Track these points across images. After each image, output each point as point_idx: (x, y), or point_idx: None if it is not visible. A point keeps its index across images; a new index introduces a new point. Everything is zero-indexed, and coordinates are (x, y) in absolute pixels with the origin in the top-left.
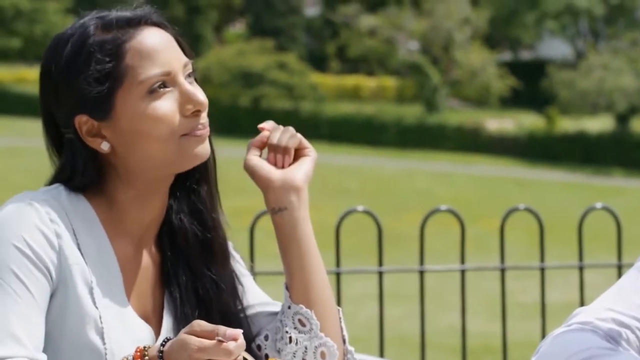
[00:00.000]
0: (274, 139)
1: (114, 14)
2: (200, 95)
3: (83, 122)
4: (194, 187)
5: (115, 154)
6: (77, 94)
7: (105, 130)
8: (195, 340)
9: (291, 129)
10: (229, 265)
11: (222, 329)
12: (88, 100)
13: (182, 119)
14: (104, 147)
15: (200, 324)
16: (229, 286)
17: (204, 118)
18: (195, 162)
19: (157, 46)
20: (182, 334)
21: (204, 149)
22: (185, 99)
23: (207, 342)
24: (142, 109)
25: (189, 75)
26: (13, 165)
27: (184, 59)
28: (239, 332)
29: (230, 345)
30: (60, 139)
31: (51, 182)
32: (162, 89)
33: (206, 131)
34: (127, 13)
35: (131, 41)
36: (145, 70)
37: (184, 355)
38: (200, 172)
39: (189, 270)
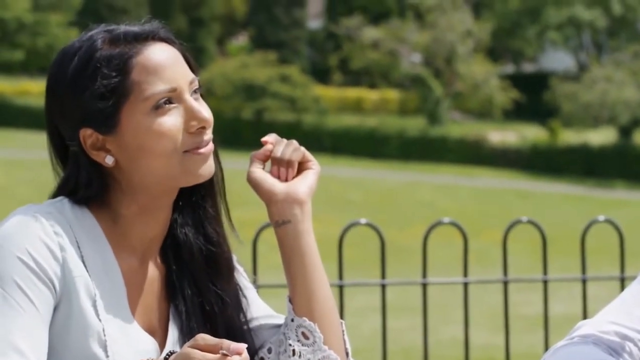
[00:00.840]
0: (278, 152)
1: (122, 28)
2: (205, 112)
3: (88, 135)
4: (200, 201)
5: (119, 168)
6: (82, 108)
7: (110, 144)
8: (199, 354)
9: (294, 142)
10: (233, 279)
11: (226, 342)
12: (93, 115)
13: (186, 135)
14: (108, 161)
15: (204, 338)
16: (234, 300)
17: (208, 135)
18: (198, 180)
19: (163, 62)
20: (186, 348)
21: (208, 167)
22: (190, 115)
23: (210, 356)
24: (146, 124)
25: (195, 92)
26: (16, 177)
27: (190, 75)
28: (243, 346)
29: (234, 359)
30: (65, 151)
31: (55, 194)
32: (167, 105)
33: (209, 148)
34: (135, 28)
35: (138, 56)
36: (151, 86)
37: None
38: (206, 188)
39: (194, 284)
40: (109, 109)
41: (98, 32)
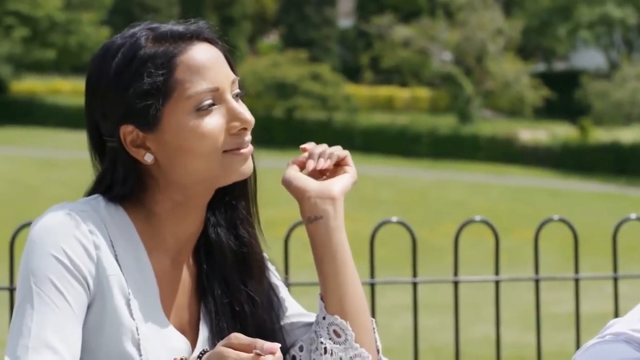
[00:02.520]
0: (318, 149)
1: (167, 26)
2: (247, 113)
3: (128, 132)
4: (233, 202)
5: (157, 166)
6: (124, 104)
7: (150, 142)
8: (233, 353)
9: (339, 147)
10: (265, 280)
11: (259, 342)
12: (135, 111)
13: (227, 136)
14: (148, 158)
15: (237, 337)
16: (265, 301)
17: (248, 136)
18: (239, 178)
19: (207, 62)
20: (220, 347)
21: (247, 167)
22: (232, 116)
23: (244, 355)
24: (188, 124)
25: (236, 95)
26: (47, 176)
27: (232, 75)
28: (276, 346)
29: (268, 359)
30: (104, 148)
31: (91, 190)
32: (209, 107)
33: (250, 149)
34: (179, 27)
35: (182, 55)
36: (194, 85)
37: None
38: (239, 187)
39: (225, 285)
40: (152, 106)
41: (141, 29)
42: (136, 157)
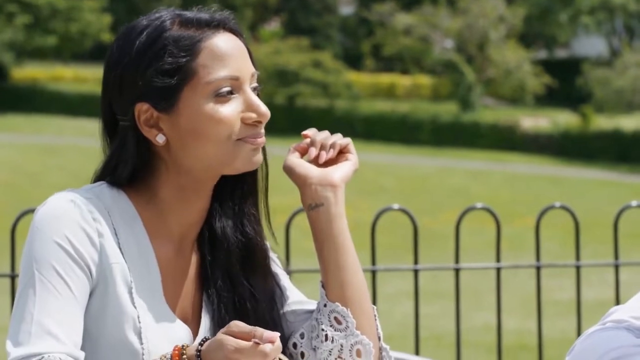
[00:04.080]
0: (319, 136)
1: (193, 13)
2: (263, 107)
3: (143, 110)
4: (241, 198)
5: (168, 149)
6: (143, 82)
7: (164, 122)
8: (232, 341)
9: (340, 135)
10: (269, 278)
11: (259, 330)
12: (154, 89)
13: (242, 125)
14: (159, 139)
15: (237, 325)
16: (268, 297)
17: (262, 129)
18: (247, 168)
19: (230, 51)
20: (220, 334)
21: (257, 158)
22: (249, 107)
23: (243, 343)
24: (205, 108)
25: (254, 89)
26: (48, 163)
27: (252, 69)
28: (275, 335)
29: (267, 347)
30: (115, 129)
31: (98, 172)
32: (228, 95)
33: (263, 140)
34: (206, 15)
35: (207, 41)
36: (215, 71)
37: (220, 355)
38: (248, 184)
39: (229, 279)
40: (171, 86)
41: (167, 13)
42: (148, 136)
